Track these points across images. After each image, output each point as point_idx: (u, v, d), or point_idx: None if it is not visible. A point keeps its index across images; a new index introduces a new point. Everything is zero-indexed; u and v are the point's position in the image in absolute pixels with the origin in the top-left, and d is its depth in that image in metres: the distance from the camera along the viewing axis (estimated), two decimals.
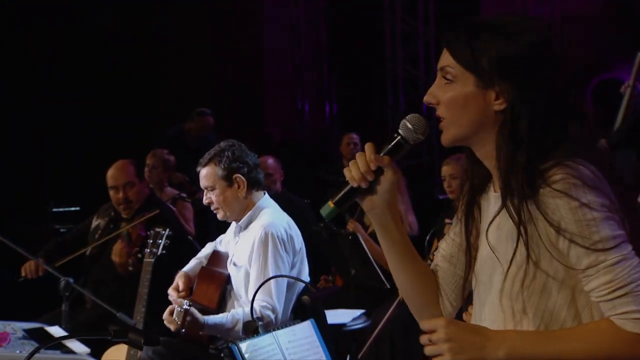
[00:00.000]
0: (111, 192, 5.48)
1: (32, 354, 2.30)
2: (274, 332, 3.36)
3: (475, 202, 2.07)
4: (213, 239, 4.61)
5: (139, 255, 5.01)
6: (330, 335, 4.32)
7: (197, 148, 8.86)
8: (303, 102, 11.80)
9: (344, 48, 11.40)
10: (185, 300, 3.91)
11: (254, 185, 4.18)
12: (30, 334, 4.04)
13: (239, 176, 4.13)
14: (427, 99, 1.99)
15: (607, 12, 10.37)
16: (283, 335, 3.37)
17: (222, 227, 4.67)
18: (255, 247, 4.02)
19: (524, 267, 1.91)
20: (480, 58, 1.90)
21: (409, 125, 2.00)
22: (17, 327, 4.10)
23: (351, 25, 11.17)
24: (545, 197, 1.85)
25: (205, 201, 4.22)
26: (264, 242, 4.00)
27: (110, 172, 5.50)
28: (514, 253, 1.91)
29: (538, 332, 1.91)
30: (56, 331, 4.13)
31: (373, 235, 6.06)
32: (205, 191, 4.20)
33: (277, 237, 4.01)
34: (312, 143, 11.52)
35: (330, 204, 2.04)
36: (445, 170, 5.66)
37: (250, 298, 3.94)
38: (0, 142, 9.00)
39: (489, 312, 2.02)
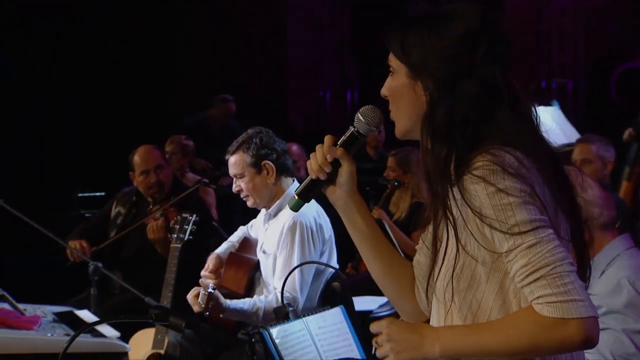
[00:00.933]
0: (141, 177, 5.46)
1: (73, 339, 2.32)
2: (304, 318, 3.37)
3: None
4: (237, 224, 4.63)
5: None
6: (358, 323, 4.33)
7: (220, 135, 8.90)
8: (325, 91, 11.78)
9: (366, 36, 11.36)
10: (211, 284, 3.93)
11: (282, 171, 4.18)
12: (60, 318, 4.08)
13: (267, 162, 4.13)
14: (381, 91, 2.03)
15: (631, 2, 10.31)
16: (313, 321, 3.38)
17: (247, 212, 4.68)
18: (284, 235, 4.02)
19: (454, 255, 1.90)
20: (406, 50, 1.94)
21: (361, 118, 2.04)
22: (47, 311, 4.15)
23: (374, 13, 11.14)
24: (466, 184, 1.84)
25: (234, 189, 4.22)
26: (293, 231, 4.00)
27: (138, 157, 5.47)
28: (447, 241, 1.91)
29: (467, 326, 1.90)
30: (85, 315, 4.17)
31: (398, 223, 6.06)
32: (234, 179, 4.20)
33: (306, 226, 4.01)
34: (334, 132, 11.49)
35: (295, 196, 2.09)
36: None
37: (276, 285, 3.97)
38: (27, 130, 9.07)
39: (434, 304, 2.02)
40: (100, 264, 4.45)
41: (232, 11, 10.81)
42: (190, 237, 4.80)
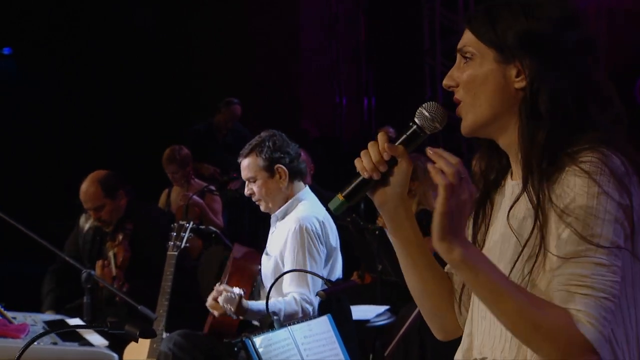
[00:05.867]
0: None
1: (27, 346, 2.27)
2: (289, 327, 3.31)
3: (488, 198, 1.96)
4: (246, 228, 4.61)
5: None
6: (354, 331, 4.28)
7: (227, 139, 8.89)
8: (341, 97, 11.74)
9: (382, 42, 11.32)
10: (237, 288, 3.89)
11: (295, 175, 4.14)
12: (50, 326, 4.04)
13: (280, 166, 4.09)
14: (445, 81, 1.91)
15: None
16: (299, 330, 3.32)
17: (256, 217, 4.65)
18: (289, 240, 4.00)
19: (535, 253, 1.79)
20: (500, 33, 1.85)
21: (426, 114, 1.89)
22: (37, 319, 4.11)
23: (389, 19, 11.10)
24: (568, 175, 1.75)
25: (246, 192, 4.19)
26: (298, 235, 3.97)
27: (80, 194, 5.48)
28: (529, 238, 1.79)
29: (502, 276, 1.75)
30: (76, 323, 4.13)
31: None
32: (247, 182, 4.17)
33: (312, 230, 3.99)
34: (350, 138, 11.47)
35: (340, 196, 1.91)
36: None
37: (290, 290, 3.94)
38: (28, 141, 9.12)
39: (476, 310, 1.91)
40: (93, 272, 4.40)
41: (246, 18, 10.80)
42: (187, 244, 4.77)
